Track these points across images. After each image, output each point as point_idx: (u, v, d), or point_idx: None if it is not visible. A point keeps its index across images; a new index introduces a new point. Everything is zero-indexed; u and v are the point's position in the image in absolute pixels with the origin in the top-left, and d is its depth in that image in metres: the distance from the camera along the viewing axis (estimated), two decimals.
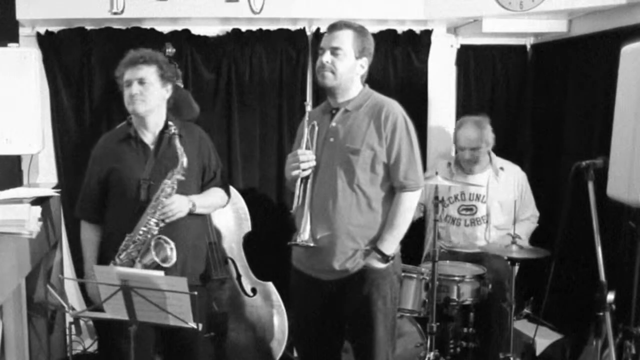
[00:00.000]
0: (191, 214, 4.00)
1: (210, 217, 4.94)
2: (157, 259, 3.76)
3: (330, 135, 3.89)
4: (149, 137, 4.06)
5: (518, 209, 5.29)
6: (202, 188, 4.19)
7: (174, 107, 4.21)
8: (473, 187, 5.30)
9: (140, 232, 3.84)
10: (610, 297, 3.62)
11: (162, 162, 3.99)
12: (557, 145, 5.68)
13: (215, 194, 4.23)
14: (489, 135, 5.35)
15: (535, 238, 5.36)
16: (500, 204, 5.32)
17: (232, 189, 5.12)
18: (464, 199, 5.37)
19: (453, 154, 5.61)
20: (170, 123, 4.00)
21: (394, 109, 3.89)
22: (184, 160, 3.89)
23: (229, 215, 5.19)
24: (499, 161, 5.45)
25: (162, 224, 3.86)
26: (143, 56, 3.98)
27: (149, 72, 3.96)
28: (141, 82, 3.94)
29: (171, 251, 3.82)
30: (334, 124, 3.90)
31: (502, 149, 5.61)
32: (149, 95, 3.95)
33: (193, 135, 4.17)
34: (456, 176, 5.37)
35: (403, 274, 4.48)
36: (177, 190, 3.91)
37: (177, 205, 3.90)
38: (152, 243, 3.80)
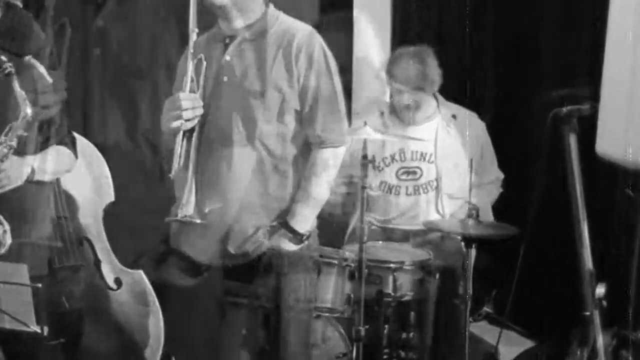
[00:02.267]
0: (30, 181, 3.93)
1: (58, 182, 4.88)
2: None
3: (223, 73, 3.93)
4: None
5: (476, 170, 5.22)
6: (41, 146, 4.10)
7: (8, 36, 4.12)
8: (416, 143, 5.30)
9: None
10: (600, 290, 3.69)
11: None
12: (528, 83, 5.71)
13: (58, 155, 4.15)
14: (434, 72, 5.29)
15: (499, 211, 5.43)
16: (455, 164, 5.32)
17: (91, 146, 5.11)
18: (404, 159, 5.34)
19: (387, 99, 5.63)
20: (3, 58, 3.79)
21: (310, 38, 3.94)
22: (28, 111, 3.74)
23: (84, 180, 5.09)
24: (450, 107, 5.46)
25: None
26: None
27: None
28: None
29: (4, 234, 3.75)
30: (227, 57, 3.93)
31: (454, 92, 5.61)
32: None
33: (27, 75, 4.01)
34: (392, 128, 5.33)
35: (320, 259, 4.49)
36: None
37: (13, 172, 3.79)
38: None
